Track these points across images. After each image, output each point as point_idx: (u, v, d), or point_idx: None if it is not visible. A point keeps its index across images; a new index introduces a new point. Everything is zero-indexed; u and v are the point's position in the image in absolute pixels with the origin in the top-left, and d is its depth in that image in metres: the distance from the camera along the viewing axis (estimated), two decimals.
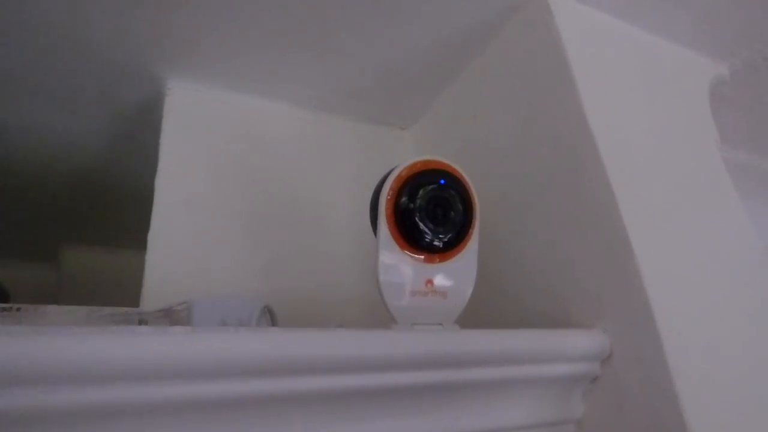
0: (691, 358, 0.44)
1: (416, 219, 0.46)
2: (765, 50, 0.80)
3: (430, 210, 0.46)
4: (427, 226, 0.46)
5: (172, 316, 0.50)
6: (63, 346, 0.27)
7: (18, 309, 0.42)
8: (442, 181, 0.48)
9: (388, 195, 0.46)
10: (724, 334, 0.49)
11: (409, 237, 0.46)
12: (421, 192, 0.46)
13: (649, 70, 0.66)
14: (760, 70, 0.82)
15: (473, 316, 0.65)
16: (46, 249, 1.18)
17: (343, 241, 0.74)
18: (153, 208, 0.61)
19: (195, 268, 0.61)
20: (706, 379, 0.44)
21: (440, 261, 0.48)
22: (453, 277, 0.48)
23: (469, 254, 0.49)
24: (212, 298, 0.47)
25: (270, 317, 0.50)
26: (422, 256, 0.47)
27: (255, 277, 0.65)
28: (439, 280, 0.48)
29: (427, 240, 0.46)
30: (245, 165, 0.71)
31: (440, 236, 0.47)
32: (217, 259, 0.64)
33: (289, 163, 0.75)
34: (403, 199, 0.46)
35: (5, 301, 0.65)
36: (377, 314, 0.47)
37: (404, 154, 0.86)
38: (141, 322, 0.49)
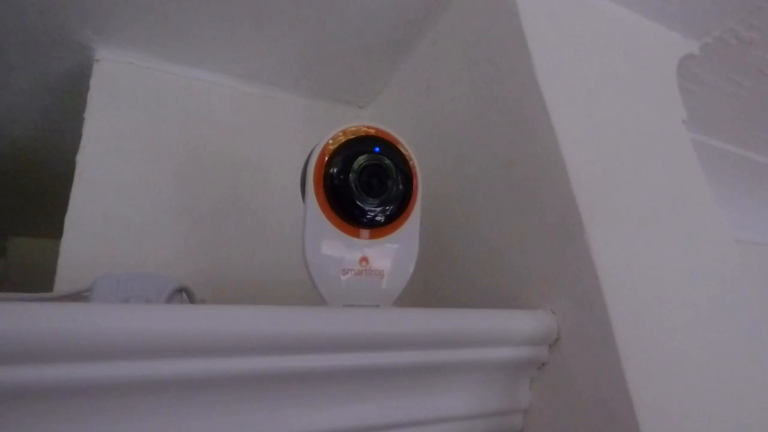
0: (642, 342, 0.40)
1: (349, 191, 0.42)
2: (738, 28, 0.77)
3: (363, 181, 0.42)
4: (360, 199, 0.42)
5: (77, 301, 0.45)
6: None
7: None
8: (377, 149, 0.44)
9: (317, 164, 0.42)
10: (679, 316, 0.45)
11: (341, 210, 0.42)
12: (355, 162, 0.42)
13: (613, 42, 0.63)
14: (731, 47, 0.79)
15: (415, 300, 0.61)
16: None
17: (290, 228, 0.69)
18: (72, 186, 0.56)
19: (119, 253, 0.56)
20: (659, 363, 0.40)
21: (377, 237, 0.44)
22: (391, 254, 0.44)
23: (409, 230, 0.45)
24: (117, 275, 0.42)
25: (189, 300, 0.45)
26: (356, 232, 0.43)
27: (188, 262, 0.60)
28: (375, 258, 0.44)
29: (367, 217, 0.42)
30: (182, 143, 0.65)
31: (377, 209, 0.43)
32: (145, 243, 0.58)
33: (232, 143, 0.69)
34: (333, 169, 0.42)
35: None
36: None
37: None
38: None
